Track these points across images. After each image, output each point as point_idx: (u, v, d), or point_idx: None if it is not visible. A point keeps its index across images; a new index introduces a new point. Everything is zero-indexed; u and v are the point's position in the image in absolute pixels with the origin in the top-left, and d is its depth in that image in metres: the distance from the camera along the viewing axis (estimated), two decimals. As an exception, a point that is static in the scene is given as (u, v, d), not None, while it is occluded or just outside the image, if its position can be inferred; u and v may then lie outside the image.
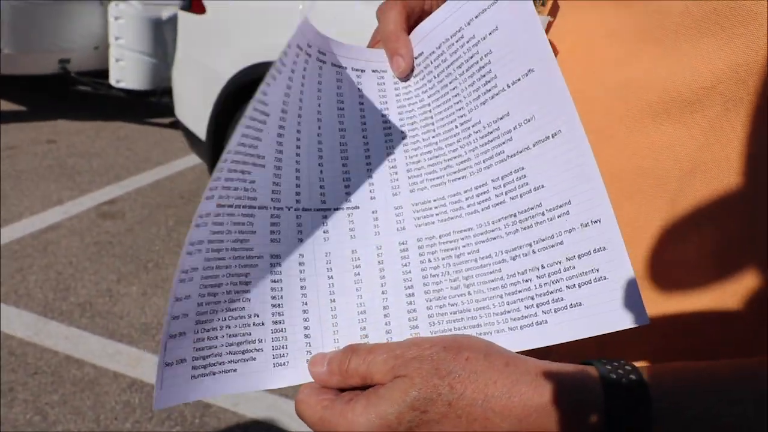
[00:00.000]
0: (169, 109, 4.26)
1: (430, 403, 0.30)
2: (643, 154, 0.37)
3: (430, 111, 0.44)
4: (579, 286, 0.33)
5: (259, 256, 0.38)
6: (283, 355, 0.38)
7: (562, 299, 0.33)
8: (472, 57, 0.42)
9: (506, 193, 0.37)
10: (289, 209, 0.40)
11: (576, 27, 0.43)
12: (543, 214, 0.35)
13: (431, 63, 0.45)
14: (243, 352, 0.36)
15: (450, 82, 0.43)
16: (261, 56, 2.31)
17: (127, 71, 3.92)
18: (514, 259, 0.36)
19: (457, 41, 0.43)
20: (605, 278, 0.32)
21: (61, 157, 3.37)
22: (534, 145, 0.37)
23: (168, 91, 3.96)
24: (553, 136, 0.36)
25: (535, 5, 0.42)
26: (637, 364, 0.32)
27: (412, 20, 0.49)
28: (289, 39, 0.36)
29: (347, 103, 0.44)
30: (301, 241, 0.40)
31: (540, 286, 0.34)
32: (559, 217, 0.35)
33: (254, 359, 0.37)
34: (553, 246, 0.34)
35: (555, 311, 0.34)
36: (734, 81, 0.34)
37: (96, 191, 3.01)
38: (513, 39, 0.40)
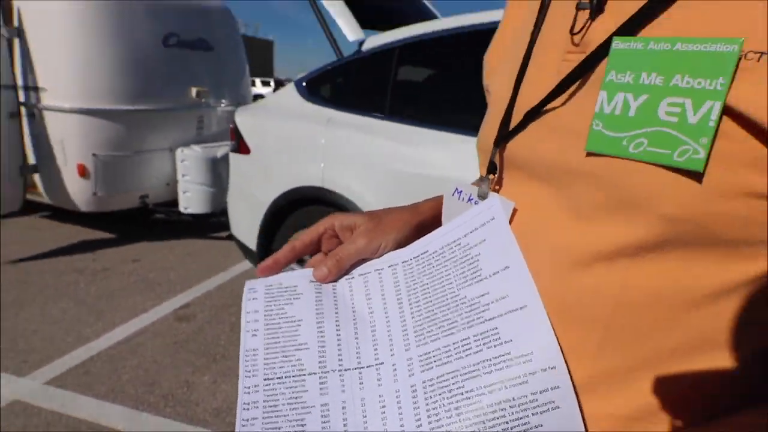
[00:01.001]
0: (225, 226, 4.42)
1: None
2: (577, 296, 0.39)
3: (428, 289, 0.46)
4: (541, 413, 0.36)
5: (312, 405, 0.41)
6: None
7: (528, 423, 0.36)
8: (465, 255, 0.45)
9: (484, 344, 0.40)
10: (333, 371, 0.43)
11: (521, 201, 0.45)
12: (512, 360, 0.38)
13: (434, 258, 0.47)
14: None
15: (446, 270, 0.46)
16: (292, 184, 2.41)
17: (192, 200, 4.06)
18: (491, 393, 0.38)
19: (456, 246, 0.46)
20: (559, 408, 0.36)
21: (144, 273, 3.45)
22: (506, 313, 0.40)
23: (224, 212, 4.12)
24: (521, 309, 0.40)
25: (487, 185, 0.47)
26: None
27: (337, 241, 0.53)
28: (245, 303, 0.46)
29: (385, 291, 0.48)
30: (343, 391, 0.42)
31: (512, 414, 0.37)
32: (524, 362, 0.37)
33: None
34: (520, 384, 0.37)
35: None
36: (635, 246, 0.36)
37: (173, 298, 3.06)
38: (496, 247, 0.43)
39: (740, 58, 0.31)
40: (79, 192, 3.74)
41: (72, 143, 3.63)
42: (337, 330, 0.45)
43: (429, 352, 0.42)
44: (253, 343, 0.44)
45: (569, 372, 0.36)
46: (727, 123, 0.31)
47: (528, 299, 0.40)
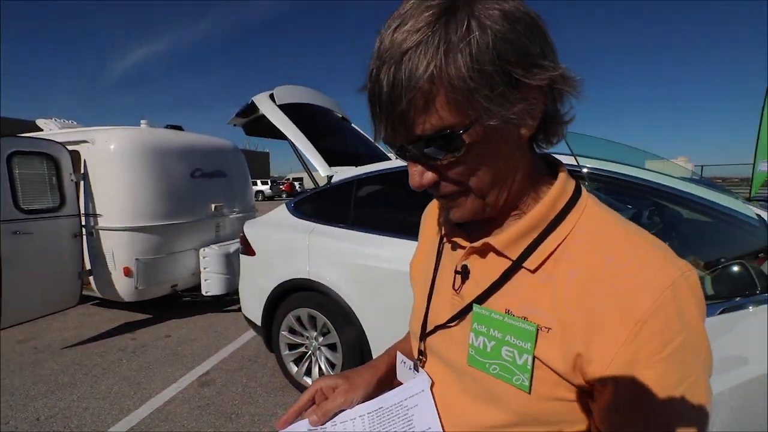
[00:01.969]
0: (235, 302, 4.31)
1: None
2: None
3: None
4: None
5: None
6: None
7: None
8: (405, 414, 0.47)
9: None
10: None
11: (437, 378, 0.48)
12: None
13: (386, 413, 0.49)
14: None
15: (393, 422, 0.48)
16: (287, 277, 2.41)
17: (212, 285, 3.97)
18: None
19: (400, 407, 0.49)
20: None
21: (174, 347, 3.27)
22: None
23: (236, 291, 4.04)
24: None
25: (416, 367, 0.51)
26: None
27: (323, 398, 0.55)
28: None
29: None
30: None
31: None
32: None
33: None
34: None
35: None
36: (501, 424, 0.42)
37: (197, 367, 2.89)
38: (424, 411, 0.46)
39: (538, 331, 0.39)
40: (124, 287, 3.61)
41: (120, 252, 3.55)
42: None
43: None
44: None
45: None
46: (538, 364, 0.39)
47: None
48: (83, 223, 3.52)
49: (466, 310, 0.44)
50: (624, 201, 2.06)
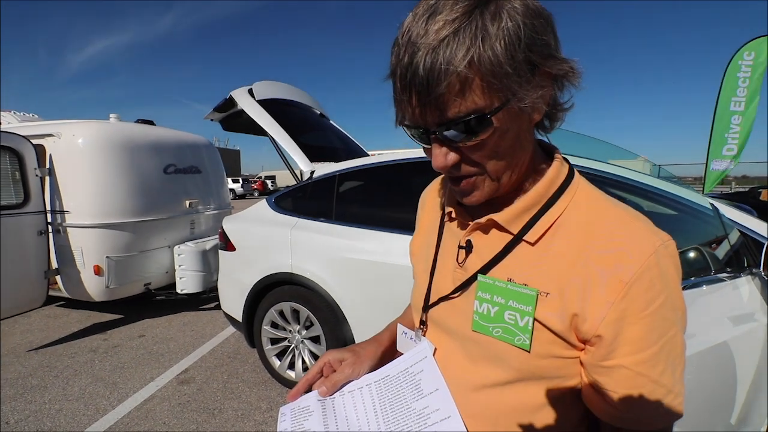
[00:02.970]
0: (212, 299, 4.21)
1: None
2: (476, 407, 0.46)
3: (393, 401, 0.49)
4: None
5: None
6: None
7: None
8: (412, 380, 0.49)
9: (428, 417, 0.46)
10: None
11: (439, 345, 0.50)
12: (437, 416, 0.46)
13: (394, 380, 0.51)
14: None
15: (401, 388, 0.49)
16: (269, 271, 2.38)
17: (187, 283, 3.84)
18: None
19: (406, 373, 0.50)
20: None
21: (149, 346, 3.15)
22: (440, 421, 0.46)
23: (212, 289, 3.94)
24: (447, 418, 0.45)
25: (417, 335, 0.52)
26: None
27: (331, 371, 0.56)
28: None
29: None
30: None
31: None
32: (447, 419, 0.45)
33: None
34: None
35: None
36: (502, 381, 0.45)
37: (174, 365, 2.80)
38: (429, 375, 0.48)
39: (538, 296, 0.42)
40: (94, 286, 3.44)
41: (89, 250, 3.39)
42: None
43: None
44: None
45: None
46: (537, 326, 0.42)
47: (451, 411, 0.46)
48: (49, 220, 3.32)
49: (470, 281, 0.47)
50: None
